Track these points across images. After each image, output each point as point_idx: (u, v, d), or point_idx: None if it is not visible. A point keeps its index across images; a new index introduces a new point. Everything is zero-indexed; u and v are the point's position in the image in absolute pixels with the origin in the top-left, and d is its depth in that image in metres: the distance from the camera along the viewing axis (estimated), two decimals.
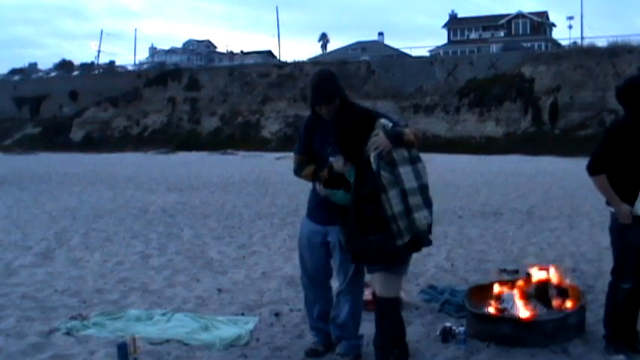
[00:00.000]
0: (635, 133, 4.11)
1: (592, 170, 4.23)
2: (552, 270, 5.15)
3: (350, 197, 3.85)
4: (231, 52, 76.95)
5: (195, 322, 5.07)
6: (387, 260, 3.76)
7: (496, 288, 5.09)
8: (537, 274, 5.05)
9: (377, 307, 4.01)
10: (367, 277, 4.21)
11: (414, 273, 6.48)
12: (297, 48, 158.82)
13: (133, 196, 15.06)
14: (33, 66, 75.03)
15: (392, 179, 3.64)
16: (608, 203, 4.27)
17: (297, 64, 51.59)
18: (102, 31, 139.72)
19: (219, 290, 6.20)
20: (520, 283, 5.12)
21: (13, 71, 69.97)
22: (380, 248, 3.71)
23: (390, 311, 3.90)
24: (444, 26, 69.00)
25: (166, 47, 78.76)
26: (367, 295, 4.61)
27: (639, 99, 4.12)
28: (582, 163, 4.66)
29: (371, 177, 3.70)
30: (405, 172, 3.67)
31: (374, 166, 3.68)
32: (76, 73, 63.35)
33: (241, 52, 75.80)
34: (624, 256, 4.22)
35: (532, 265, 5.47)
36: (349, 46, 68.53)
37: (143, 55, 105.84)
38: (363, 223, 3.73)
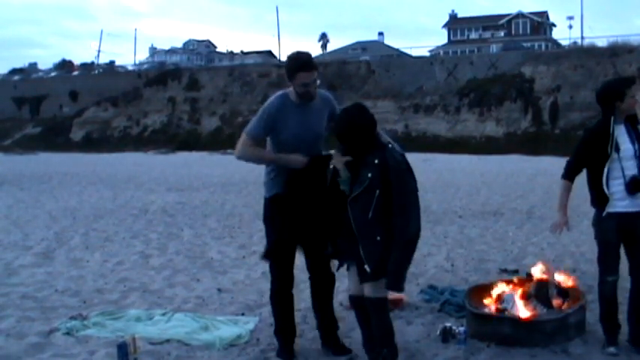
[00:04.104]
0: (606, 135, 4.28)
1: (562, 175, 4.68)
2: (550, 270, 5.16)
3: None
4: (231, 52, 76.88)
5: (195, 322, 5.07)
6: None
7: (496, 288, 5.09)
8: (538, 274, 5.04)
9: (357, 308, 4.02)
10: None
11: (414, 273, 6.48)
12: (297, 48, 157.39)
13: (133, 196, 15.06)
14: (33, 66, 74.89)
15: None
16: (592, 203, 4.56)
17: None
18: (102, 31, 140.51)
19: (219, 290, 6.20)
20: (521, 283, 5.12)
21: (13, 71, 69.88)
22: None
23: (378, 311, 3.89)
24: (444, 26, 69.04)
25: (166, 47, 78.86)
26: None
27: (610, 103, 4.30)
28: None
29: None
30: None
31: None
32: (76, 73, 63.31)
33: (241, 52, 75.74)
34: (600, 249, 4.52)
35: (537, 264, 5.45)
36: (349, 46, 68.51)
37: (143, 55, 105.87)
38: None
